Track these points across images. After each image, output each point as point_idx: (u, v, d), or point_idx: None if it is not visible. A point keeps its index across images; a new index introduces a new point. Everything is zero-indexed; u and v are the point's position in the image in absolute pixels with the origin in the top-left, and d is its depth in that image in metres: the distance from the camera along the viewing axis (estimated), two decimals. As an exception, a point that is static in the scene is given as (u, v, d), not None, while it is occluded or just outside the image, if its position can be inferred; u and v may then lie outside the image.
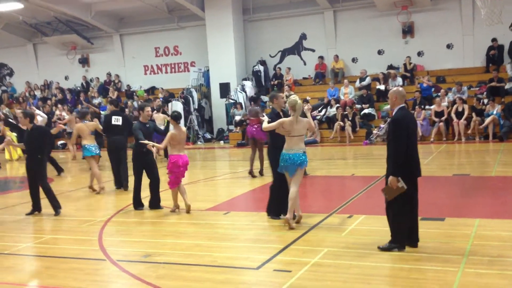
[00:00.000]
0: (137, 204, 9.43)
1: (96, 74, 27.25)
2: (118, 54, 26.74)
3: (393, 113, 6.21)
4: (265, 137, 12.30)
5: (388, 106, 19.37)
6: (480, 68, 20.75)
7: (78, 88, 27.10)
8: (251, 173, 12.46)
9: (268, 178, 12.06)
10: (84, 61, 27.61)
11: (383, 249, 6.15)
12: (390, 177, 5.98)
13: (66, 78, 28.10)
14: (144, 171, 9.25)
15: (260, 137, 12.26)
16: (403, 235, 6.12)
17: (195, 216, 8.75)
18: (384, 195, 6.14)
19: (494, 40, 19.98)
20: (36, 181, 9.15)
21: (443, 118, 18.07)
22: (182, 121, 22.09)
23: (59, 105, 23.34)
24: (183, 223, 8.31)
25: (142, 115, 9.35)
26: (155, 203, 9.38)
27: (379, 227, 7.26)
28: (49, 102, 25.73)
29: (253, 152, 12.50)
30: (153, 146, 8.90)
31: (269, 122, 7.66)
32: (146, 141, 8.83)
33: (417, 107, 18.55)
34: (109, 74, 26.76)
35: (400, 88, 6.46)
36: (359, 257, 6.05)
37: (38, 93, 27.87)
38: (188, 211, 8.89)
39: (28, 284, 6.04)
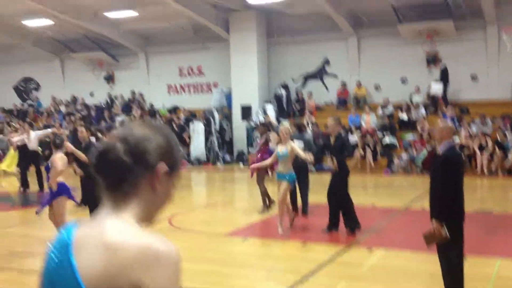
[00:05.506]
0: None
1: (120, 92, 27.55)
2: (143, 73, 27.08)
3: (441, 150, 5.61)
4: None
5: (411, 136, 19.37)
6: (505, 101, 20.50)
7: (103, 105, 27.43)
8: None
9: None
10: (109, 78, 27.95)
11: None
12: (434, 221, 5.37)
13: (91, 94, 28.43)
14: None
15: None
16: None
17: (213, 240, 8.73)
18: (424, 239, 5.58)
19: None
20: None
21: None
22: (202, 141, 22.37)
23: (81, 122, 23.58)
24: (200, 249, 8.29)
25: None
26: None
27: (399, 261, 7.17)
28: (73, 117, 26.03)
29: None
30: None
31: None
32: None
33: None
34: (133, 92, 27.07)
35: (450, 123, 5.96)
36: (377, 293, 5.98)
37: (63, 108, 28.28)
38: None
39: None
